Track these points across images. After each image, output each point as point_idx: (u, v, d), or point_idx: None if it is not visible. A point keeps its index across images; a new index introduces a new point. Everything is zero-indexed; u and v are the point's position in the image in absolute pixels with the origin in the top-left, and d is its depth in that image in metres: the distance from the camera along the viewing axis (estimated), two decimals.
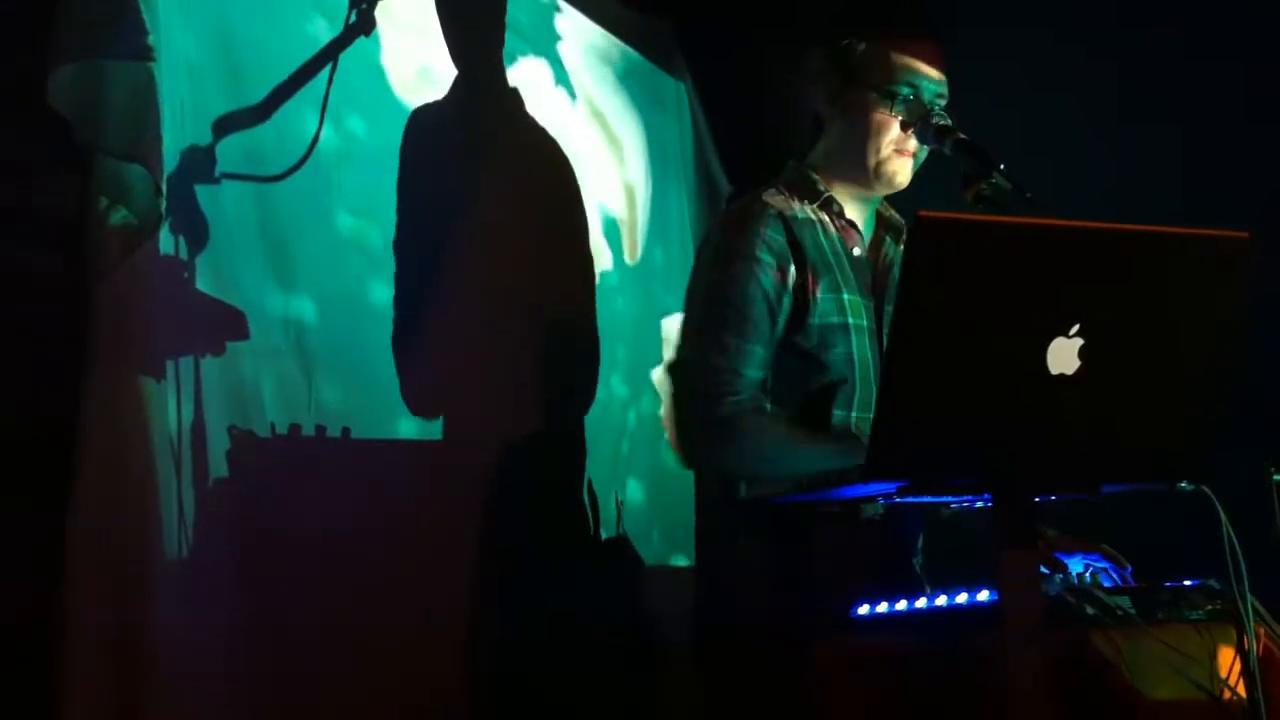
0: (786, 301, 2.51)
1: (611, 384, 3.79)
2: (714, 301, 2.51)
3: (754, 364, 2.47)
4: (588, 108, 3.83)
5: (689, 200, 4.22)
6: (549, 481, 3.40)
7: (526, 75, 3.56)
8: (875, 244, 2.69)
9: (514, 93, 3.42)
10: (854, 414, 2.52)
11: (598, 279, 3.67)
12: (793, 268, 2.52)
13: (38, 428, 2.35)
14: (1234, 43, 3.37)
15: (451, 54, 3.25)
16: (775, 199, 2.60)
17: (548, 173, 3.51)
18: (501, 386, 3.19)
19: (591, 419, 3.58)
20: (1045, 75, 3.60)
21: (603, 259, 3.77)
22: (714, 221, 2.71)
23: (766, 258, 2.51)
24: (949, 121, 2.51)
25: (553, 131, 3.53)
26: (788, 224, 2.56)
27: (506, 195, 3.29)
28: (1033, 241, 1.66)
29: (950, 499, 1.96)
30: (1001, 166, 2.34)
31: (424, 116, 3.17)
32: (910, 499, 1.95)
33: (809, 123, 2.70)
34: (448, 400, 3.13)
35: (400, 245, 3.06)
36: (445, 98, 3.24)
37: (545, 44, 3.69)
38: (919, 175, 2.62)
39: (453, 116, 3.22)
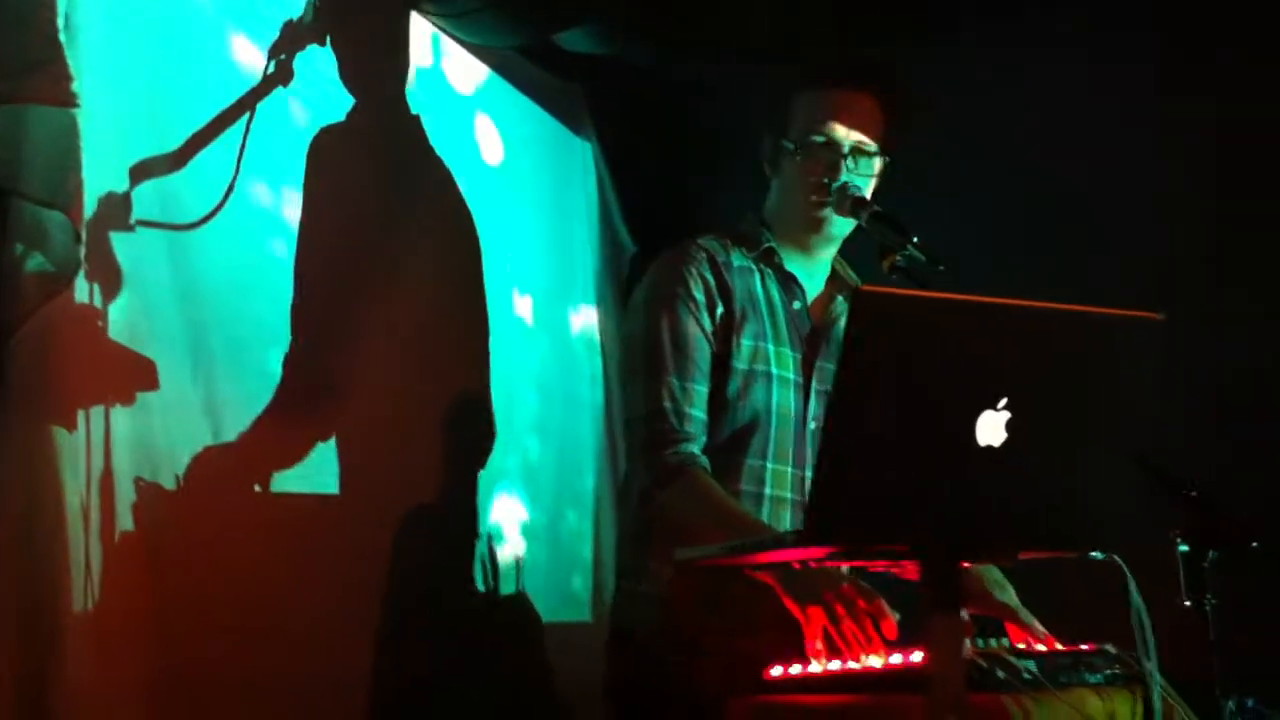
0: (715, 342, 2.55)
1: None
2: (653, 345, 2.53)
3: (699, 404, 2.51)
4: (492, 158, 3.85)
5: (593, 259, 4.26)
6: (442, 536, 3.39)
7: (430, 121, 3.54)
8: (823, 300, 2.73)
9: (416, 120, 3.39)
10: (769, 464, 2.57)
11: (505, 330, 3.67)
12: (720, 309, 2.56)
13: None
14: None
15: (350, 81, 3.20)
16: (710, 243, 2.63)
17: (448, 221, 3.49)
18: (397, 438, 3.17)
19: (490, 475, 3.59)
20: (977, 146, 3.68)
21: (506, 312, 3.78)
22: (651, 266, 2.72)
23: (699, 297, 2.55)
24: (864, 193, 2.58)
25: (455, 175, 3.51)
26: (718, 268, 2.60)
27: (410, 241, 3.28)
28: (966, 317, 1.71)
29: (879, 562, 2.00)
30: (915, 239, 2.40)
31: (330, 141, 3.11)
32: (840, 563, 2.01)
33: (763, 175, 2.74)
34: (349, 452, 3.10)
35: (301, 273, 3.01)
36: (349, 123, 3.19)
37: (451, 93, 3.70)
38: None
39: (358, 144, 3.18)
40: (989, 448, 1.75)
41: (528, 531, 3.75)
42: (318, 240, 3.04)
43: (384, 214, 3.23)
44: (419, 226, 3.34)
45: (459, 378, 3.47)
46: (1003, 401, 1.74)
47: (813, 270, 2.72)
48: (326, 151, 3.09)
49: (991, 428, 1.75)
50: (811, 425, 2.63)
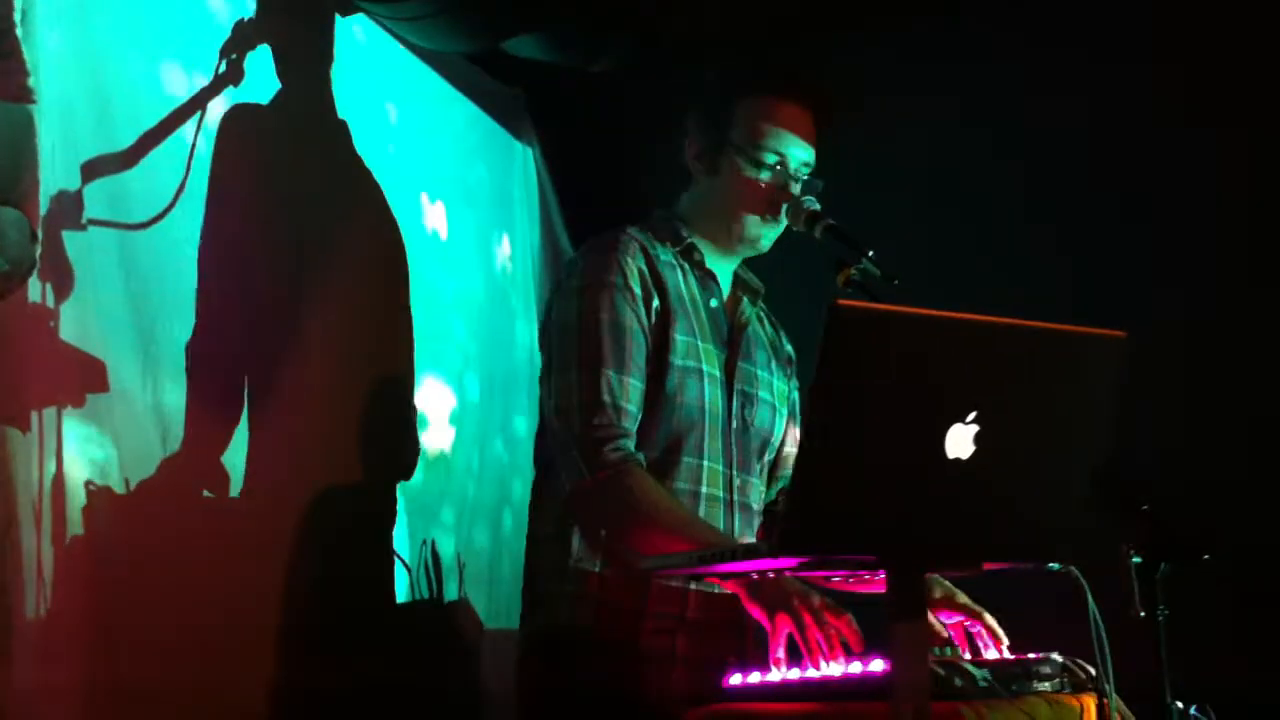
0: (651, 336, 2.49)
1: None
2: (589, 334, 2.44)
3: (635, 399, 2.44)
4: (425, 163, 3.82)
5: (533, 264, 4.26)
6: (359, 544, 3.33)
7: (358, 117, 3.49)
8: (733, 301, 2.72)
9: (342, 125, 3.33)
10: (705, 462, 2.53)
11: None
12: (656, 302, 2.51)
13: None
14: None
15: (280, 73, 3.14)
16: (640, 234, 2.58)
17: (370, 225, 3.42)
18: (307, 441, 3.09)
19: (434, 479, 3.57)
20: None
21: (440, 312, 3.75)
22: (576, 255, 2.67)
23: (636, 289, 2.49)
24: (819, 207, 2.59)
25: (380, 182, 3.45)
26: (651, 259, 2.55)
27: (326, 243, 3.21)
28: (939, 332, 1.74)
29: (845, 573, 2.02)
30: (870, 253, 2.43)
31: (244, 117, 3.01)
32: (807, 573, 2.03)
33: (679, 172, 2.70)
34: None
35: (205, 270, 2.89)
36: (269, 107, 3.12)
37: (384, 91, 3.67)
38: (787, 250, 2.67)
39: (269, 132, 3.11)
40: (957, 460, 1.78)
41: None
42: (218, 221, 2.92)
43: (294, 206, 3.13)
44: (338, 228, 3.26)
45: (379, 383, 3.40)
46: (972, 415, 1.77)
47: (726, 270, 2.70)
48: (238, 131, 2.99)
49: (960, 441, 1.78)
50: (735, 424, 2.60)
